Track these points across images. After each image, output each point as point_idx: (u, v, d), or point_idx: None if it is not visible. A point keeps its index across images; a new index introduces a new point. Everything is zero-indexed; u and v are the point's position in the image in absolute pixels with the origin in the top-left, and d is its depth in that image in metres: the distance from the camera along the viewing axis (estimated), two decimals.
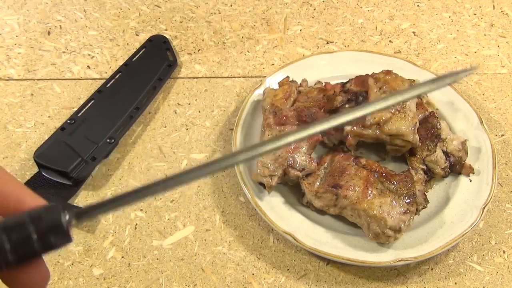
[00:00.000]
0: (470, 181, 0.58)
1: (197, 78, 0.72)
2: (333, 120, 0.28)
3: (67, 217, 0.26)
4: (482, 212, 0.54)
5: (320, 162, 0.57)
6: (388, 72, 0.60)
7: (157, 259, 0.55)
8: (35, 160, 0.59)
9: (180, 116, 0.68)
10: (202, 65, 0.74)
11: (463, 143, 0.59)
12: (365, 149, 0.62)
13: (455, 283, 0.53)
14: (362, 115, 0.28)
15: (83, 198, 0.60)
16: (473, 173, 0.58)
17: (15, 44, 0.76)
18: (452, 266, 0.55)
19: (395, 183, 0.54)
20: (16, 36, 0.77)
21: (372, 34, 0.78)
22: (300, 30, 0.78)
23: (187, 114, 0.68)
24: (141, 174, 0.62)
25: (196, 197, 0.60)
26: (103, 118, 0.64)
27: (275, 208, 0.55)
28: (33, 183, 0.58)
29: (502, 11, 0.82)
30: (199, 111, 0.68)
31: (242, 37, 0.77)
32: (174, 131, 0.66)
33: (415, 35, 0.78)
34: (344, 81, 0.63)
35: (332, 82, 0.64)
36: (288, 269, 0.54)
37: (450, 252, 0.55)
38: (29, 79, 0.72)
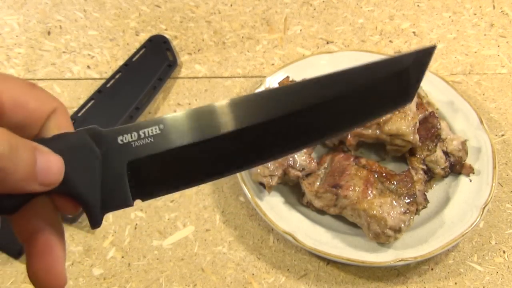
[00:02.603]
0: (470, 181, 0.58)
1: (197, 78, 0.72)
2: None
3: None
4: (482, 212, 0.54)
5: (320, 162, 0.57)
6: None
7: (157, 259, 0.55)
8: None
9: None
10: (202, 65, 0.74)
11: (463, 143, 0.59)
12: (365, 149, 0.62)
13: (455, 283, 0.53)
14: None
15: None
16: (473, 173, 0.58)
17: (15, 44, 0.76)
18: (452, 266, 0.55)
19: (395, 183, 0.54)
20: (16, 36, 0.77)
21: (372, 34, 0.78)
22: (300, 30, 0.78)
23: None
24: None
25: (196, 197, 0.60)
26: (103, 118, 0.64)
27: (275, 208, 0.55)
28: None
29: (502, 11, 0.82)
30: None
31: (242, 37, 0.77)
32: None
33: (415, 35, 0.78)
34: None
35: None
36: (288, 269, 0.54)
37: (450, 252, 0.55)
38: (29, 79, 0.72)
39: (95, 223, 0.26)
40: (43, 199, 0.25)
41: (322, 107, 0.29)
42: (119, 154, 0.27)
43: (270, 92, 0.30)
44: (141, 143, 0.27)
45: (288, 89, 0.30)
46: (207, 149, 0.28)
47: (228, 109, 0.29)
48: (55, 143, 0.25)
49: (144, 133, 0.27)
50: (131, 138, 0.27)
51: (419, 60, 0.31)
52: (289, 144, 0.29)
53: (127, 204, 0.27)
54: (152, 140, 0.27)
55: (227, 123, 0.28)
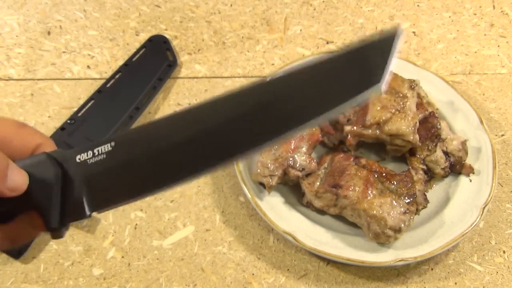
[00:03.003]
0: (470, 181, 0.58)
1: (197, 78, 0.72)
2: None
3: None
4: (482, 212, 0.54)
5: (320, 162, 0.57)
6: None
7: (157, 259, 0.55)
8: None
9: None
10: (202, 65, 0.74)
11: (463, 143, 0.59)
12: (365, 149, 0.62)
13: (455, 283, 0.53)
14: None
15: None
16: (473, 173, 0.58)
17: (15, 44, 0.76)
18: (452, 266, 0.55)
19: (395, 183, 0.54)
20: (16, 36, 0.77)
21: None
22: (300, 30, 0.78)
23: None
24: None
25: (196, 197, 0.60)
26: (103, 118, 0.64)
27: (275, 208, 0.55)
28: None
29: (502, 11, 0.82)
30: None
31: (242, 37, 0.77)
32: None
33: (415, 35, 0.78)
34: None
35: None
36: (288, 269, 0.54)
37: (450, 252, 0.55)
38: (29, 79, 0.72)
39: (55, 232, 0.29)
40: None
41: (275, 105, 0.29)
42: (76, 171, 0.30)
43: (219, 97, 0.31)
44: (95, 160, 0.30)
45: (241, 92, 0.30)
46: (155, 161, 0.29)
47: (175, 120, 0.30)
48: (22, 162, 0.29)
49: (98, 150, 0.30)
50: (87, 156, 0.30)
51: (382, 46, 0.30)
52: (243, 146, 0.29)
53: (83, 215, 0.29)
54: (105, 156, 0.30)
55: (173, 134, 0.30)
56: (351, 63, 0.29)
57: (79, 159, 0.30)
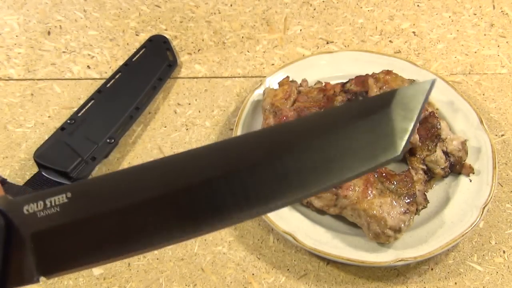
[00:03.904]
0: (470, 181, 0.58)
1: (197, 78, 0.72)
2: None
3: None
4: (482, 212, 0.54)
5: None
6: (388, 72, 0.60)
7: (157, 259, 0.55)
8: (35, 160, 0.59)
9: (180, 116, 0.68)
10: (202, 65, 0.74)
11: (463, 143, 0.59)
12: None
13: (455, 283, 0.53)
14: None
15: None
16: (473, 173, 0.58)
17: (15, 44, 0.76)
18: (452, 266, 0.55)
19: (395, 183, 0.54)
20: (16, 36, 0.77)
21: (372, 34, 0.78)
22: (300, 30, 0.78)
23: (187, 114, 0.68)
24: None
25: None
26: (103, 118, 0.64)
27: None
28: (33, 183, 0.58)
29: (502, 11, 0.81)
30: (199, 111, 0.68)
31: (242, 37, 0.77)
32: (174, 131, 0.66)
33: (415, 35, 0.78)
34: (344, 81, 0.63)
35: (332, 82, 0.64)
36: (288, 269, 0.54)
37: (450, 252, 0.56)
38: (29, 79, 0.72)
39: None
40: None
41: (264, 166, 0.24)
42: (23, 225, 0.25)
43: (203, 149, 0.26)
44: (47, 213, 0.25)
45: (223, 145, 0.26)
46: (118, 219, 0.24)
47: (146, 172, 0.26)
48: None
49: (50, 202, 0.25)
50: (37, 207, 0.25)
51: (406, 104, 0.24)
52: (224, 213, 0.24)
53: (29, 280, 0.25)
54: (58, 209, 0.25)
55: (143, 189, 0.25)
56: (366, 126, 0.24)
57: (27, 210, 0.25)
